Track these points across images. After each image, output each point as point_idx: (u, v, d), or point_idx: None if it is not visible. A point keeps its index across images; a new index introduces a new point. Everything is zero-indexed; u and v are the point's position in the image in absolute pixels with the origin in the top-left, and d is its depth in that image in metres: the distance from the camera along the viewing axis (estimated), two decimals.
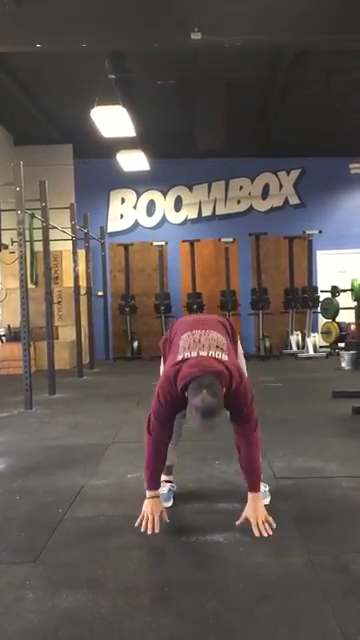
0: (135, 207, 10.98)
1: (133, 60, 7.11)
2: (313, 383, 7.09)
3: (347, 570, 2.21)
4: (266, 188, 10.92)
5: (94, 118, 7.24)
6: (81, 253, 8.64)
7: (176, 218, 10.97)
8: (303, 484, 3.22)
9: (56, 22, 5.50)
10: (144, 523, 2.52)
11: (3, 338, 9.09)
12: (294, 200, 10.91)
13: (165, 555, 2.38)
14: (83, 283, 8.79)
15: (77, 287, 8.15)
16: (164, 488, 2.88)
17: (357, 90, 7.92)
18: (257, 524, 2.49)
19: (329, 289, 9.98)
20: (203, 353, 2.49)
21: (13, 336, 8.65)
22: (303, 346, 10.05)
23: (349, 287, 9.67)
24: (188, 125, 8.59)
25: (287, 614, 1.91)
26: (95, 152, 9.91)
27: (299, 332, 10.23)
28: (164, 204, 10.96)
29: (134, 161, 9.62)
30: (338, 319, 9.97)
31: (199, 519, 2.74)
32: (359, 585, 2.10)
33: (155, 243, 10.40)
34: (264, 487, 2.81)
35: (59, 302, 9.43)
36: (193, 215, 10.96)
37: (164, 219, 10.97)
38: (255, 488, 2.60)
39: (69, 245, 8.35)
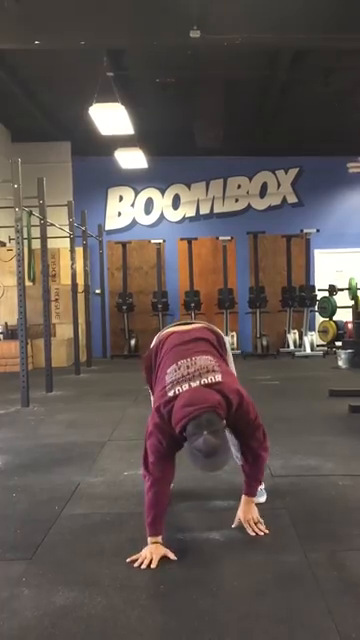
0: (133, 205, 10.97)
1: (132, 58, 7.11)
2: (310, 381, 7.10)
3: (343, 568, 2.22)
4: (264, 187, 10.92)
5: (92, 116, 7.23)
6: (79, 251, 8.64)
7: (174, 216, 10.97)
8: (300, 482, 3.22)
9: (55, 19, 5.50)
10: (139, 560, 2.26)
11: (0, 335, 9.08)
12: (292, 199, 10.92)
13: None
14: (81, 281, 8.79)
15: (75, 285, 8.14)
16: None
17: (356, 89, 7.93)
18: (250, 525, 2.50)
19: (326, 288, 9.99)
20: (194, 384, 2.29)
21: (10, 334, 8.65)
22: (300, 345, 10.06)
23: (346, 286, 9.70)
24: (187, 123, 8.59)
25: (283, 612, 1.92)
26: (93, 150, 9.90)
27: (296, 331, 10.24)
28: (162, 202, 10.96)
29: (132, 159, 9.61)
30: (335, 318, 9.99)
31: (195, 517, 2.75)
32: (355, 583, 2.11)
33: (153, 241, 10.40)
34: (260, 486, 2.80)
35: (56, 300, 9.42)
36: (191, 213, 10.96)
37: (162, 217, 10.97)
38: (252, 493, 2.57)
39: (67, 243, 8.35)
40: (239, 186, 10.92)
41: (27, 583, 2.15)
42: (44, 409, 5.63)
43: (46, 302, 6.73)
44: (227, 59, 6.88)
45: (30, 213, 6.65)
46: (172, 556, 2.28)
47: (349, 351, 8.29)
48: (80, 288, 8.66)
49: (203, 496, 3.02)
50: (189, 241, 10.27)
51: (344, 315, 9.80)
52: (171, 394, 2.31)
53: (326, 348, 9.91)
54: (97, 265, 10.41)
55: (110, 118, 7.36)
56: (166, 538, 2.37)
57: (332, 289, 9.91)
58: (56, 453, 3.98)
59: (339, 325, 9.92)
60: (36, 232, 6.84)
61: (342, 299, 9.77)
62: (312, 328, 10.32)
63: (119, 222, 10.98)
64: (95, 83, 6.91)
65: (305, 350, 9.84)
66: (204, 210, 10.96)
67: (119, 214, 10.98)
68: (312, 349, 9.89)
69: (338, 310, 9.86)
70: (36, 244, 6.93)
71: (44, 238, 6.74)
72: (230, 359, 2.81)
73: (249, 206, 10.93)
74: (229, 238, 10.26)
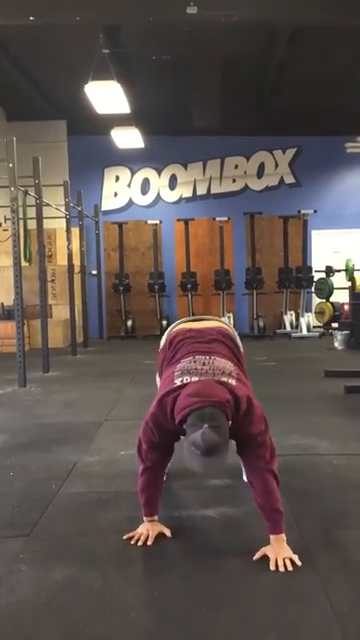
0: (129, 185, 10.89)
1: (128, 35, 7.00)
2: (306, 362, 7.12)
3: (337, 545, 2.25)
4: (261, 167, 10.85)
5: (88, 94, 7.15)
6: (75, 231, 8.59)
7: (171, 197, 10.90)
8: (295, 461, 3.25)
9: None
10: (135, 537, 2.25)
11: None
12: (289, 179, 10.85)
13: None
14: (77, 261, 8.76)
15: (71, 265, 8.11)
16: None
17: (355, 68, 7.83)
18: (276, 560, 2.07)
19: (323, 269, 9.98)
20: (205, 379, 2.16)
21: (7, 314, 8.64)
22: (297, 326, 10.08)
23: (343, 267, 9.69)
24: (184, 102, 8.50)
25: (278, 587, 1.94)
26: (89, 129, 9.80)
27: (293, 312, 10.25)
28: (159, 182, 10.88)
29: (129, 138, 9.53)
30: (332, 299, 9.99)
31: (191, 495, 2.77)
32: (348, 559, 2.14)
33: (149, 222, 10.35)
34: None
35: (53, 280, 9.40)
36: (188, 194, 10.89)
37: (158, 197, 10.90)
38: (277, 529, 2.13)
39: (63, 223, 8.30)
40: (236, 166, 10.85)
41: (24, 560, 2.18)
42: (41, 389, 5.64)
43: (42, 283, 6.71)
44: (224, 36, 6.78)
45: (26, 193, 6.59)
46: (168, 533, 2.27)
47: (345, 332, 8.31)
48: (76, 269, 8.64)
49: (199, 475, 3.04)
50: (186, 222, 10.22)
51: (341, 296, 9.80)
52: (178, 382, 2.17)
53: (322, 329, 9.93)
54: (93, 246, 10.37)
55: (106, 96, 7.27)
56: (162, 516, 2.39)
57: (329, 270, 9.90)
58: (53, 433, 4.00)
59: (335, 306, 9.93)
60: (32, 212, 6.80)
61: (339, 280, 9.77)
62: (309, 309, 10.33)
63: (115, 202, 10.91)
64: (91, 61, 6.81)
65: (301, 331, 9.86)
66: (201, 191, 10.89)
67: (115, 194, 10.90)
68: (308, 330, 9.91)
69: (335, 291, 9.86)
70: (32, 224, 6.89)
71: (40, 218, 6.70)
72: (242, 356, 2.62)
73: (246, 186, 10.87)
74: (226, 219, 10.22)
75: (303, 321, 9.91)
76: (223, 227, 10.19)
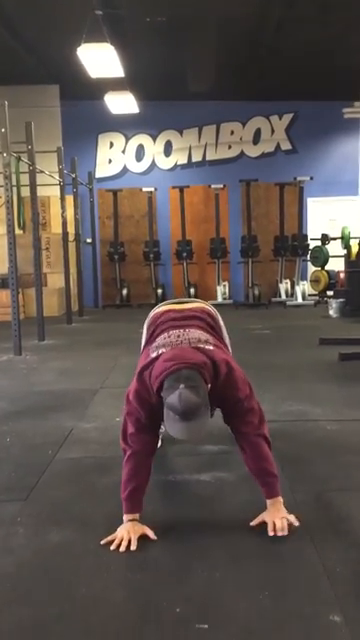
0: (124, 152, 10.75)
1: None
2: (301, 330, 7.15)
3: (328, 507, 2.29)
4: (257, 133, 10.70)
5: (81, 57, 6.99)
6: (69, 199, 8.51)
7: (166, 163, 10.77)
8: (289, 427, 3.29)
9: None
10: (116, 542, 2.00)
11: None
12: (286, 145, 10.72)
13: (152, 493, 2.43)
14: (71, 229, 8.70)
15: (65, 233, 8.05)
16: None
17: (354, 30, 7.66)
18: (274, 522, 2.05)
19: (319, 237, 9.94)
20: (181, 348, 2.11)
21: (1, 283, 8.60)
22: (292, 294, 10.08)
23: (339, 235, 9.64)
24: (179, 65, 8.33)
25: (271, 548, 1.98)
26: (82, 93, 9.61)
27: (288, 280, 10.24)
28: (153, 149, 10.73)
29: (123, 103, 9.37)
30: (327, 267, 9.98)
31: (186, 460, 2.81)
32: (339, 521, 2.18)
33: (144, 189, 10.25)
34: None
35: (47, 249, 9.34)
36: (183, 160, 10.76)
37: (153, 164, 10.77)
38: (273, 492, 2.10)
39: (57, 190, 8.22)
40: (232, 132, 10.70)
41: (22, 523, 2.21)
42: (36, 357, 5.66)
43: (37, 251, 6.67)
44: None
45: (19, 159, 6.50)
46: (152, 535, 2.03)
47: (340, 300, 8.32)
48: (71, 237, 8.57)
49: (182, 441, 3.06)
50: (181, 189, 10.12)
51: (336, 264, 9.78)
52: (154, 355, 2.11)
53: (317, 297, 9.93)
54: (88, 214, 10.28)
55: (99, 59, 7.12)
56: (157, 479, 2.42)
57: (325, 238, 9.86)
58: (49, 400, 4.02)
59: (331, 275, 9.91)
60: (25, 179, 6.71)
61: (334, 248, 9.73)
62: (304, 277, 10.32)
63: (110, 169, 10.77)
64: (84, 22, 6.64)
65: (297, 299, 9.87)
66: (196, 157, 10.75)
67: (110, 161, 10.76)
68: (304, 298, 9.92)
69: (330, 259, 9.84)
70: (25, 192, 6.81)
71: (33, 185, 6.62)
72: (226, 338, 2.61)
73: (242, 153, 10.74)
74: (221, 186, 10.12)
75: (298, 289, 9.91)
76: (219, 194, 10.10)
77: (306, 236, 10.12)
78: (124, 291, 10.33)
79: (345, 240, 9.45)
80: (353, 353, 5.10)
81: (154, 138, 10.71)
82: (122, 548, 1.97)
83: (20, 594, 1.78)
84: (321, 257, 9.92)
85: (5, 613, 1.69)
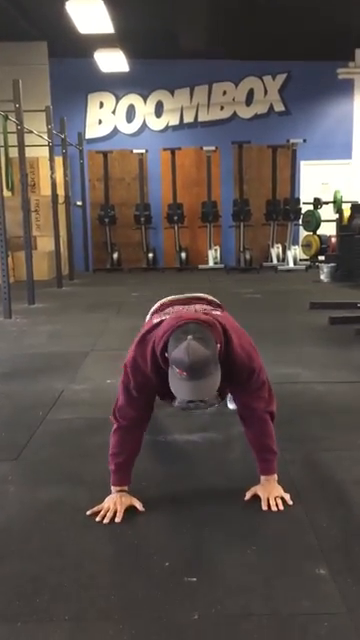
0: (114, 112, 10.52)
1: None
2: (292, 295, 7.15)
3: (316, 465, 2.33)
4: (250, 94, 10.49)
5: (69, 11, 6.78)
6: (58, 160, 8.35)
7: (157, 124, 10.56)
8: (279, 389, 3.25)
9: None
10: (101, 513, 1.95)
11: None
12: (279, 107, 10.53)
13: (143, 452, 2.46)
14: (61, 192, 8.57)
15: (55, 196, 7.93)
16: None
17: None
18: (267, 499, 2.01)
19: (311, 201, 9.86)
20: (187, 308, 2.04)
21: None
22: (283, 259, 10.05)
23: (331, 199, 9.57)
24: (170, 22, 8.11)
25: (259, 506, 2.01)
26: (71, 51, 9.35)
27: (280, 245, 10.19)
28: (144, 109, 10.51)
29: (113, 61, 9.13)
30: (319, 232, 9.93)
31: (175, 421, 2.82)
32: (327, 479, 2.22)
33: (135, 151, 10.07)
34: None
35: (36, 211, 9.20)
36: (174, 122, 10.56)
37: (144, 125, 10.56)
38: (270, 469, 2.05)
39: (45, 151, 8.06)
40: (224, 93, 10.48)
41: (13, 481, 2.23)
42: (26, 321, 5.64)
43: (26, 213, 6.58)
44: None
45: (6, 117, 6.35)
46: (139, 506, 1.98)
47: (331, 265, 8.31)
48: (60, 199, 8.45)
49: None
50: (172, 151, 9.96)
51: (328, 229, 9.73)
52: (157, 320, 1.97)
53: (309, 262, 9.91)
54: (77, 176, 10.11)
55: (89, 14, 6.91)
56: (148, 439, 2.43)
57: (317, 202, 9.78)
58: (39, 362, 4.02)
59: (323, 239, 9.87)
60: (13, 140, 6.57)
61: (327, 213, 9.67)
62: (296, 242, 10.27)
63: (100, 130, 10.56)
64: None
65: (288, 264, 9.84)
66: (188, 118, 10.55)
67: (100, 122, 10.54)
68: (295, 263, 9.88)
69: (322, 224, 9.78)
70: (13, 152, 6.67)
71: (22, 146, 6.49)
72: None
73: (234, 114, 10.54)
74: (213, 148, 9.97)
75: (290, 254, 9.87)
76: (210, 157, 9.95)
77: (298, 200, 10.03)
78: (115, 255, 10.24)
79: (337, 204, 9.38)
80: (343, 317, 5.13)
81: (145, 98, 10.48)
82: (106, 520, 1.92)
83: (12, 549, 1.80)
84: (313, 221, 9.86)
85: None
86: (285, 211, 9.96)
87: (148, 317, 2.35)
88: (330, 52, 9.67)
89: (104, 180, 10.22)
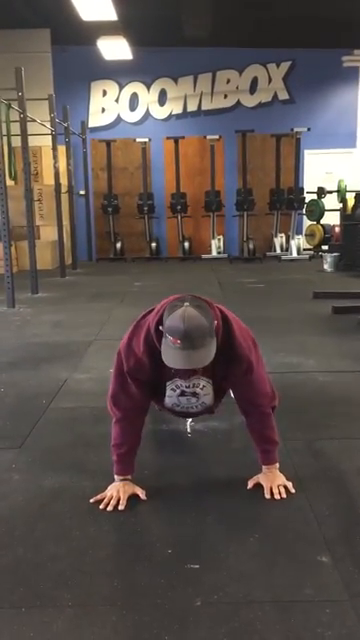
0: (117, 100, 10.47)
1: None
2: (295, 284, 7.14)
3: (318, 455, 2.33)
4: (254, 82, 10.42)
5: None
6: (61, 149, 8.33)
7: (160, 113, 10.50)
8: (281, 378, 3.31)
9: None
10: (105, 501, 1.95)
11: None
12: (283, 95, 10.46)
13: (145, 441, 2.47)
14: (64, 181, 8.54)
15: (58, 185, 7.91)
16: None
17: None
18: (270, 487, 2.01)
19: (315, 190, 9.81)
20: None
21: None
22: (287, 248, 10.02)
23: (335, 188, 9.52)
24: (174, 9, 8.03)
25: (261, 494, 2.02)
26: (75, 38, 9.29)
27: (283, 234, 10.16)
28: (148, 97, 10.45)
29: (116, 49, 9.07)
30: (323, 221, 9.89)
31: None
32: (328, 467, 2.23)
33: (138, 140, 10.03)
34: None
35: (39, 200, 9.19)
36: (178, 110, 10.50)
37: (148, 114, 10.50)
38: (271, 459, 2.04)
39: (48, 140, 8.03)
40: (228, 81, 10.41)
41: (17, 469, 2.25)
42: (30, 310, 5.65)
43: (29, 202, 6.56)
44: None
45: (9, 106, 6.32)
46: (142, 495, 1.98)
47: (335, 255, 8.28)
48: (64, 188, 8.43)
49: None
50: (176, 140, 9.91)
51: (332, 219, 9.69)
52: (158, 306, 1.93)
53: (312, 252, 9.88)
54: (81, 165, 10.07)
55: (92, 1, 6.86)
56: (150, 428, 2.44)
57: (321, 191, 9.73)
58: (43, 352, 4.03)
59: (326, 229, 9.84)
60: (15, 128, 6.54)
61: (330, 202, 9.62)
62: (299, 231, 10.23)
63: (103, 119, 10.51)
64: None
65: (291, 254, 9.82)
66: (191, 107, 10.49)
67: (103, 110, 10.49)
68: (298, 253, 9.86)
69: (326, 213, 9.74)
70: (16, 142, 6.65)
71: (24, 134, 6.46)
72: None
73: (238, 103, 10.47)
74: (217, 137, 9.92)
75: (293, 243, 9.84)
76: (214, 146, 9.91)
77: (302, 189, 9.99)
78: (118, 244, 10.23)
79: (341, 194, 9.33)
80: (346, 307, 5.12)
81: (148, 87, 10.42)
82: (110, 508, 1.92)
83: (16, 536, 1.82)
84: (317, 211, 9.82)
85: (2, 554, 1.72)
86: (289, 200, 9.92)
87: None
88: (335, 40, 9.58)
89: (107, 169, 10.19)
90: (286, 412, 2.75)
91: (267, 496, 1.99)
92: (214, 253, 10.02)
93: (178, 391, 2.00)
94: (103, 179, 10.38)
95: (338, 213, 9.28)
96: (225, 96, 10.45)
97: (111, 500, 1.95)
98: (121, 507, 1.93)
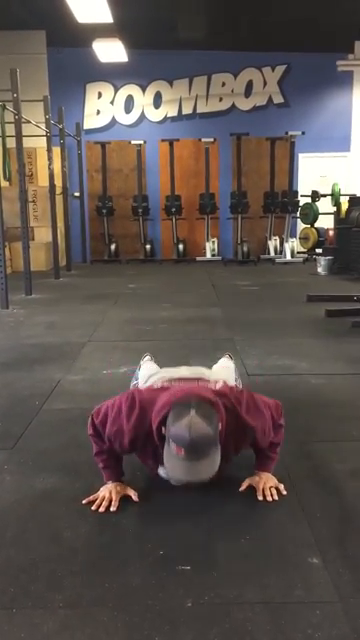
0: (112, 102, 10.48)
1: None
2: (289, 287, 7.16)
3: (310, 456, 2.34)
4: (249, 85, 10.46)
5: (68, 0, 6.73)
6: (56, 151, 8.33)
7: (155, 115, 10.52)
8: (274, 380, 3.32)
9: None
10: (97, 502, 1.96)
11: None
12: (278, 99, 10.50)
13: None
14: (59, 182, 8.54)
15: (52, 186, 7.91)
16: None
17: None
18: (262, 489, 2.02)
19: (309, 194, 9.85)
20: (191, 383, 1.96)
21: None
22: (281, 251, 10.06)
23: (329, 192, 9.57)
24: (169, 11, 8.05)
25: (253, 495, 2.02)
26: (70, 40, 9.30)
27: (277, 237, 10.19)
28: (143, 100, 10.47)
29: (111, 51, 9.09)
30: (317, 225, 9.93)
31: None
32: (320, 468, 2.24)
33: (133, 142, 10.04)
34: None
35: (34, 202, 9.19)
36: (173, 113, 10.52)
37: (143, 116, 10.52)
38: (267, 468, 2.09)
39: (43, 142, 8.02)
40: (223, 84, 10.44)
41: (9, 470, 2.24)
42: (23, 311, 5.64)
43: (23, 203, 6.55)
44: None
45: (3, 107, 6.32)
46: (135, 496, 1.99)
47: (329, 258, 8.32)
48: (58, 190, 8.43)
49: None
50: (170, 142, 9.94)
51: (326, 222, 9.74)
52: (158, 385, 1.97)
53: (306, 255, 9.92)
54: (75, 166, 10.08)
55: (87, 3, 6.86)
56: None
57: (315, 195, 9.77)
58: (36, 353, 4.03)
59: (320, 232, 9.88)
60: (10, 130, 6.53)
61: (325, 205, 9.67)
62: (293, 235, 10.27)
63: (98, 121, 10.52)
64: None
65: (285, 257, 9.84)
66: (187, 110, 10.51)
67: (98, 112, 10.50)
68: (292, 256, 9.89)
69: (320, 217, 9.78)
70: (11, 143, 6.64)
71: (19, 135, 6.45)
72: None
73: (233, 106, 10.51)
74: (212, 140, 9.95)
75: (287, 246, 9.87)
76: (209, 149, 9.94)
77: (296, 192, 10.03)
78: (112, 246, 10.24)
79: (335, 197, 9.38)
80: (339, 310, 5.14)
81: (143, 89, 10.44)
82: (102, 509, 1.93)
83: (7, 537, 1.81)
84: (311, 214, 9.86)
85: None
86: (283, 203, 9.96)
87: (142, 380, 2.39)
88: (330, 44, 9.63)
89: (102, 171, 10.20)
90: None
91: (259, 497, 2.01)
92: (208, 255, 10.04)
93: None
94: (98, 181, 10.39)
95: (332, 216, 9.33)
96: (220, 99, 10.49)
97: (103, 501, 1.96)
98: (113, 508, 1.94)
